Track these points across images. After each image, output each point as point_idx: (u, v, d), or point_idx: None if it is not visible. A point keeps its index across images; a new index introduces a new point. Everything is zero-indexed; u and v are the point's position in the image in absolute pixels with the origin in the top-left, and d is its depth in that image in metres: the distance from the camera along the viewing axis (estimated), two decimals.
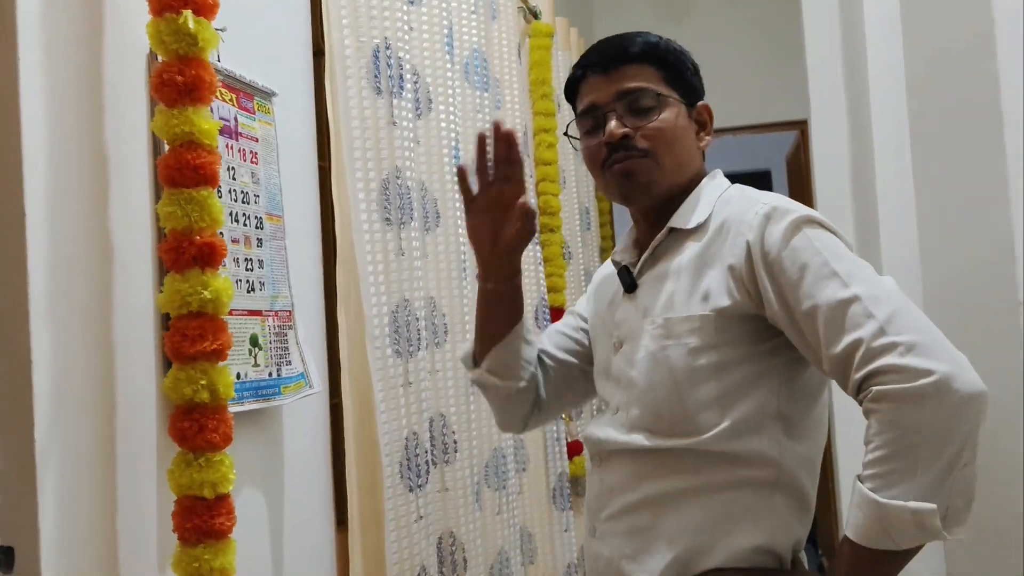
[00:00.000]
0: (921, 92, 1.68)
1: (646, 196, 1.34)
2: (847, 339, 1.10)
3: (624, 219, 1.57)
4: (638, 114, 1.32)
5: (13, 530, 1.14)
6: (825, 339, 1.13)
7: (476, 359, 1.50)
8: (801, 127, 4.26)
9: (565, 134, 1.46)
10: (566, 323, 1.58)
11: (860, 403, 1.11)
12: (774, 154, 5.37)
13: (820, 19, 2.95)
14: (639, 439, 1.27)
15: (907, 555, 1.09)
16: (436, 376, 2.08)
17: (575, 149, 1.44)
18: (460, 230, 2.22)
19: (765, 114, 4.28)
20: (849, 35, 2.52)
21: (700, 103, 1.39)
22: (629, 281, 1.36)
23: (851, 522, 1.10)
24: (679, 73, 1.36)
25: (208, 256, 1.27)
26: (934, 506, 1.04)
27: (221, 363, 1.29)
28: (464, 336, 2.18)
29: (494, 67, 2.60)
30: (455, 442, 2.13)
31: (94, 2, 1.30)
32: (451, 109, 2.23)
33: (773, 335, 1.23)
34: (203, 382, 1.26)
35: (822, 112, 2.93)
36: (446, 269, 2.16)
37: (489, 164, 1.33)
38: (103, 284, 1.29)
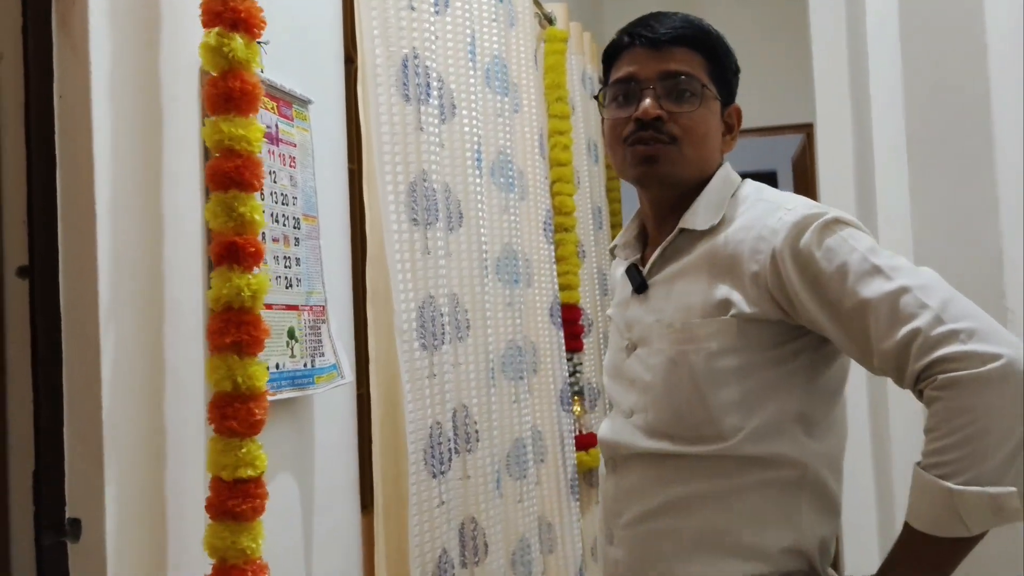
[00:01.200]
0: (918, 108, 1.77)
1: (660, 185, 1.32)
2: (903, 330, 1.08)
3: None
4: (677, 99, 1.28)
5: (81, 504, 1.24)
6: (876, 334, 1.11)
7: None
8: (807, 130, 4.35)
9: (595, 97, 1.42)
10: None
11: (919, 393, 1.10)
12: (780, 155, 5.44)
13: (827, 25, 3.03)
14: (662, 445, 1.25)
15: (976, 540, 1.08)
16: (459, 369, 2.17)
17: (602, 117, 1.39)
18: (482, 230, 2.31)
19: (771, 117, 4.36)
20: (855, 42, 2.61)
21: (733, 105, 1.36)
22: (640, 281, 1.34)
23: (918, 512, 1.09)
24: (723, 69, 1.33)
25: (247, 255, 1.36)
26: (1014, 488, 1.03)
27: (257, 355, 1.37)
28: (485, 332, 2.27)
29: (512, 72, 2.69)
30: (476, 432, 2.22)
31: (153, 20, 1.40)
32: (473, 114, 2.32)
33: (794, 337, 1.22)
34: (238, 372, 1.34)
35: (828, 117, 3.02)
36: (468, 267, 2.25)
37: None
38: (155, 281, 1.39)
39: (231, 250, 1.36)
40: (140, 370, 1.34)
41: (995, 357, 1.03)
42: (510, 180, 2.57)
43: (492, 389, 2.30)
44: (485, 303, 2.29)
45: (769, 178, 6.26)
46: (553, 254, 2.88)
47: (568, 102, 3.03)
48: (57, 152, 1.25)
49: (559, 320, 2.83)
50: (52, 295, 1.25)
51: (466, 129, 2.29)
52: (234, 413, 1.36)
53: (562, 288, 2.94)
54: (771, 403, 1.21)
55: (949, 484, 1.05)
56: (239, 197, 1.35)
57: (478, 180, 2.33)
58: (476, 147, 2.34)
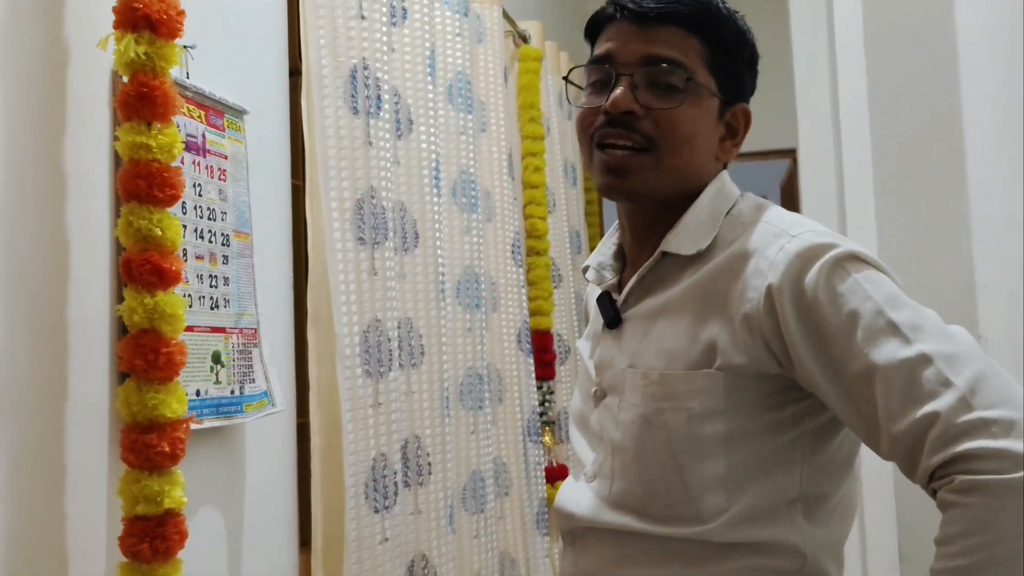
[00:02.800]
0: (884, 130, 1.69)
1: (631, 200, 1.09)
2: (919, 413, 0.86)
3: None
4: (657, 91, 1.04)
5: None
6: (885, 412, 0.89)
7: None
8: (793, 155, 4.26)
9: (564, 78, 1.19)
10: None
11: (933, 492, 0.88)
12: (769, 180, 5.36)
13: (808, 51, 2.97)
14: (627, 520, 1.04)
15: None
16: (412, 398, 2.06)
17: (569, 102, 1.15)
18: (439, 251, 2.21)
19: (756, 142, 4.28)
20: (834, 65, 2.53)
21: (739, 104, 1.10)
22: (612, 315, 1.10)
23: None
24: (729, 57, 1.07)
25: (156, 274, 1.26)
26: None
27: (171, 381, 1.28)
28: (440, 358, 2.17)
29: (479, 89, 2.60)
30: (429, 464, 2.11)
31: (56, 20, 1.30)
32: (432, 131, 2.23)
33: (795, 399, 1.00)
34: (149, 400, 1.25)
35: (810, 142, 2.95)
36: (424, 290, 2.14)
37: None
38: (58, 300, 1.28)
39: (139, 268, 1.26)
40: (33, 394, 1.23)
41: None
42: (473, 201, 2.47)
43: (447, 419, 2.19)
44: (441, 328, 2.19)
45: None
46: (523, 278, 2.77)
47: (543, 123, 2.94)
48: None
49: (528, 347, 2.72)
50: None
51: (423, 146, 2.19)
52: (145, 444, 1.27)
53: (533, 313, 2.84)
54: (765, 480, 0.99)
55: None
56: (146, 211, 1.25)
57: (436, 199, 2.23)
58: (434, 165, 2.24)
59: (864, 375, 0.90)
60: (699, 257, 1.04)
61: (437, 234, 2.20)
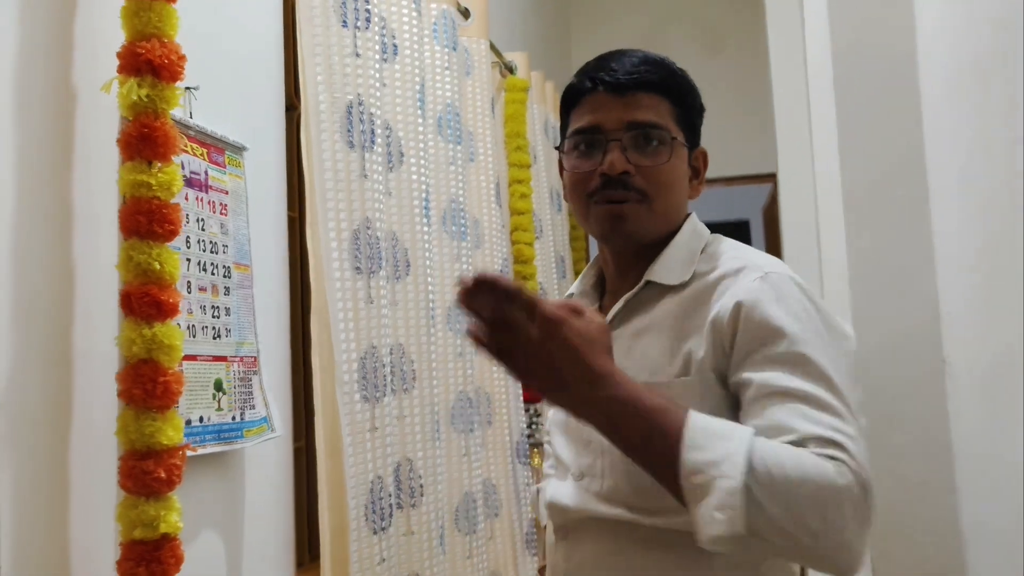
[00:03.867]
0: (853, 160, 1.76)
1: (628, 242, 1.22)
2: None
3: None
4: (644, 151, 1.19)
5: None
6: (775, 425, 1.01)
7: None
8: (774, 180, 4.35)
9: (557, 148, 1.32)
10: None
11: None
12: (752, 205, 5.45)
13: (787, 78, 3.05)
14: (619, 512, 1.14)
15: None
16: (404, 422, 2.11)
17: (561, 168, 1.29)
18: (429, 279, 2.27)
19: (738, 166, 4.38)
20: (809, 100, 2.61)
21: (699, 148, 1.27)
22: None
23: (705, 461, 0.94)
24: (689, 111, 1.24)
25: (154, 306, 1.31)
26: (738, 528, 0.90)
27: (168, 409, 1.32)
28: (431, 383, 2.22)
29: (467, 120, 2.67)
30: (421, 486, 2.16)
31: (65, 66, 1.37)
32: (422, 162, 2.29)
33: None
34: (146, 427, 1.29)
35: (789, 167, 3.03)
36: (415, 317, 2.19)
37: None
38: (65, 330, 1.33)
39: (139, 301, 1.30)
40: (40, 425, 1.28)
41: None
42: (463, 229, 2.53)
43: (438, 442, 2.24)
44: (432, 354, 2.24)
45: (742, 228, 6.28)
46: None
47: (529, 151, 3.01)
48: None
49: None
50: None
51: (414, 177, 2.25)
52: (142, 471, 1.30)
53: None
54: None
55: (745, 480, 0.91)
56: (146, 246, 1.30)
57: (426, 228, 2.29)
58: (424, 195, 2.30)
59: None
60: (679, 285, 1.18)
61: (427, 262, 2.26)
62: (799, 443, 0.97)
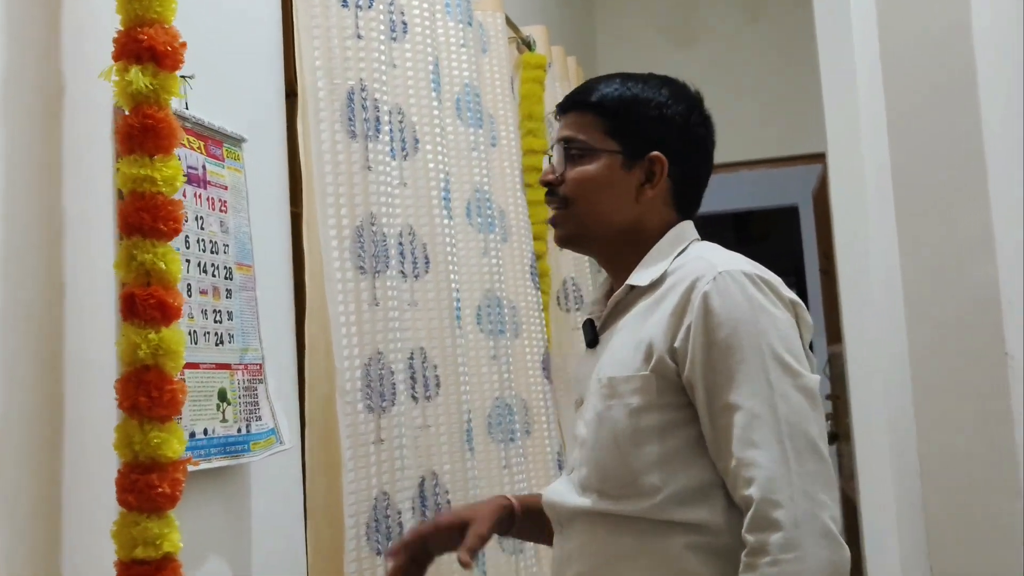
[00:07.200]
0: (903, 138, 1.81)
1: (573, 246, 1.54)
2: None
3: None
4: (568, 161, 1.49)
5: None
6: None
7: None
8: (823, 160, 4.39)
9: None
10: None
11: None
12: (801, 188, 5.49)
13: (835, 47, 3.06)
14: (588, 501, 1.40)
15: None
16: (428, 432, 2.16)
17: None
18: (452, 275, 2.32)
19: (784, 147, 4.41)
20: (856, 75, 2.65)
21: (653, 153, 1.48)
22: (591, 336, 1.51)
23: None
24: (627, 122, 1.48)
25: (156, 309, 1.39)
26: None
27: (169, 420, 1.40)
28: (459, 389, 2.28)
29: (487, 102, 2.73)
30: (448, 503, 2.20)
31: (53, 55, 1.45)
32: (439, 148, 2.35)
33: None
34: (141, 439, 1.36)
35: (840, 148, 3.04)
36: (437, 318, 2.25)
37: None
38: (57, 337, 1.42)
39: (143, 303, 1.39)
40: (31, 436, 1.36)
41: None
42: (490, 220, 2.59)
43: (468, 453, 2.28)
44: (458, 357, 2.30)
45: (790, 214, 6.31)
46: (540, 301, 2.89)
47: (545, 136, 3.06)
48: None
49: (551, 375, 2.84)
50: None
51: (431, 165, 2.32)
52: (147, 485, 1.37)
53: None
54: (693, 464, 1.34)
55: None
56: (149, 244, 1.39)
57: (447, 221, 2.35)
58: (443, 184, 2.36)
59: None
60: (651, 287, 1.43)
61: (450, 257, 2.32)
62: (737, 477, 1.28)
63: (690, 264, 1.41)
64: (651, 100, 1.50)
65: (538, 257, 2.97)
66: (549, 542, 1.55)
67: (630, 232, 1.49)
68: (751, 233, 7.03)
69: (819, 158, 4.42)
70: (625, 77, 1.52)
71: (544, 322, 2.86)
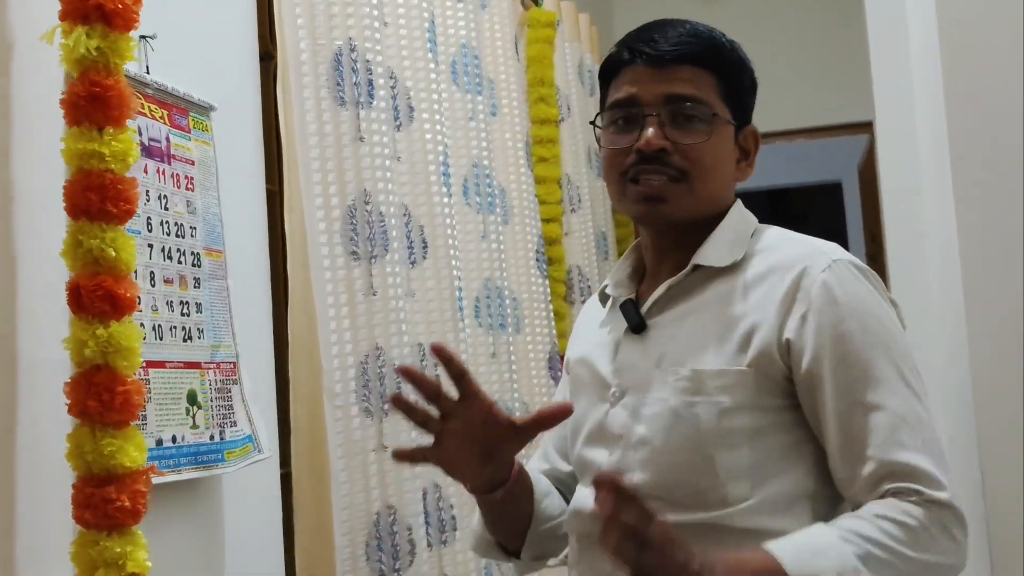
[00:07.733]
0: (963, 109, 1.77)
1: (666, 224, 1.40)
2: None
3: None
4: (684, 127, 1.36)
5: None
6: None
7: (507, 550, 1.51)
8: (870, 130, 4.34)
9: (592, 123, 1.49)
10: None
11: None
12: (845, 163, 5.44)
13: (884, 8, 3.01)
14: (657, 508, 1.24)
15: None
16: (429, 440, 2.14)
17: (599, 144, 1.46)
18: (454, 262, 2.29)
19: (826, 115, 4.36)
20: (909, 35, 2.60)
21: (748, 127, 1.43)
22: (638, 320, 1.39)
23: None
24: (737, 87, 1.41)
25: (103, 301, 1.35)
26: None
27: (126, 426, 1.37)
28: None
29: (487, 65, 2.69)
30: (453, 518, 2.18)
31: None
32: (436, 117, 2.31)
33: None
34: (93, 449, 1.34)
35: (889, 116, 2.99)
36: (438, 309, 2.22)
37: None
38: (6, 326, 1.38)
39: (90, 295, 1.35)
40: None
41: None
42: (490, 199, 2.56)
43: None
44: (463, 353, 2.27)
45: (832, 191, 6.26)
46: (548, 292, 2.86)
47: (556, 103, 3.02)
48: None
49: (559, 374, 2.81)
50: None
51: (428, 136, 2.28)
52: (103, 499, 1.35)
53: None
54: (786, 473, 1.30)
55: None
56: (97, 228, 1.35)
57: (446, 200, 2.32)
58: (442, 159, 2.32)
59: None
60: (729, 269, 1.36)
61: (451, 241, 2.28)
62: (883, 477, 1.22)
63: (784, 248, 1.36)
64: (748, 64, 1.43)
65: (550, 242, 2.92)
66: (507, 533, 1.47)
67: (714, 213, 1.41)
68: (789, 212, 6.95)
69: (866, 127, 4.38)
70: (713, 30, 1.42)
71: (551, 315, 2.82)
